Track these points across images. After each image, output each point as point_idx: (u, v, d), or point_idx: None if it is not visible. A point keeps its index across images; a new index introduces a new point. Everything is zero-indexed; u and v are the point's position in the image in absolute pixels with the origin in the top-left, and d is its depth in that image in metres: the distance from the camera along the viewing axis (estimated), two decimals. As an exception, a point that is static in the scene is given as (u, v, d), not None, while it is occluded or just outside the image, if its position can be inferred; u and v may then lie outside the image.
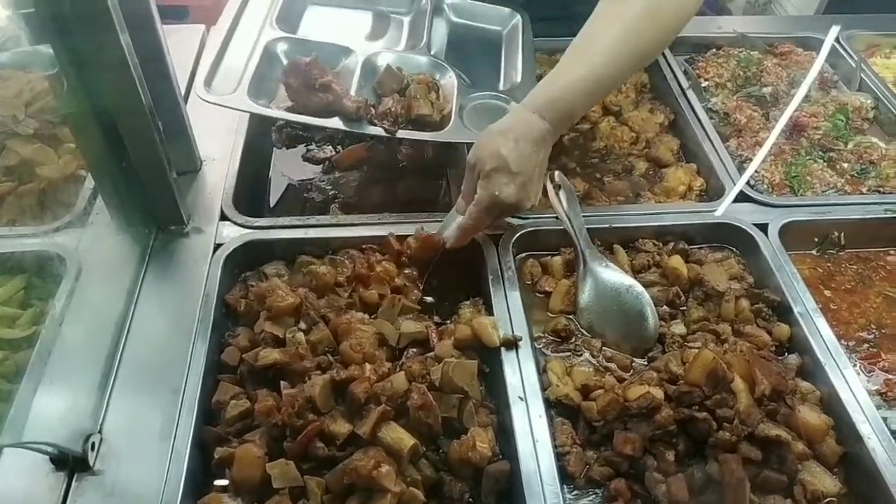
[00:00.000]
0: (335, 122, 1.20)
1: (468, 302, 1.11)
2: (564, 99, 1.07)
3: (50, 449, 0.84)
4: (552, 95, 1.07)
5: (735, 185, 1.28)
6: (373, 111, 1.22)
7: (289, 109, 1.23)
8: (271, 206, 1.36)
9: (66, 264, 1.12)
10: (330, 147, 1.46)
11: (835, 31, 1.59)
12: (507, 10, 1.54)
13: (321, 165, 1.43)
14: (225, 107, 1.20)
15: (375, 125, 1.21)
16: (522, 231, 1.18)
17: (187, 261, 1.14)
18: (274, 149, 1.45)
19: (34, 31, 0.94)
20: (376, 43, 1.46)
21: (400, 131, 1.21)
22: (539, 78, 1.19)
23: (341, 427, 0.89)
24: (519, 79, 1.37)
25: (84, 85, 0.99)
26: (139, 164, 1.10)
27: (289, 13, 1.45)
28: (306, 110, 1.21)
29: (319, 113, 1.20)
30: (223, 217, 1.20)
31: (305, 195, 1.38)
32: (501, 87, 1.39)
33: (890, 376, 1.08)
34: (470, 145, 1.11)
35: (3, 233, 1.19)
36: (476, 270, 1.16)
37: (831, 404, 1.00)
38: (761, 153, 1.35)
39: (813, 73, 1.51)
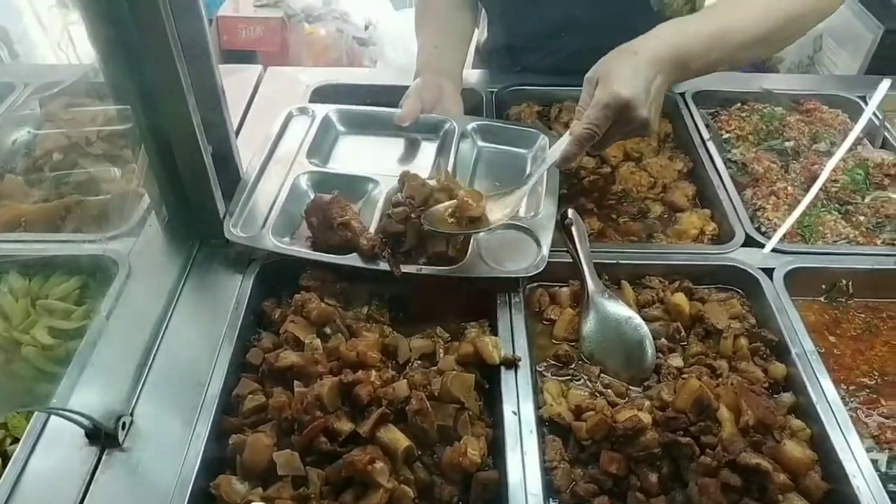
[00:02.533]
0: (353, 260, 1.21)
1: (475, 323, 1.18)
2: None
3: (86, 421, 0.94)
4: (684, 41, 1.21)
5: (745, 230, 1.33)
6: (387, 248, 1.20)
7: (310, 241, 1.27)
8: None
9: (117, 267, 1.25)
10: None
11: (884, 87, 1.50)
12: (533, 130, 1.54)
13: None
14: (251, 246, 1.25)
15: (385, 260, 1.20)
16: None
17: (224, 272, 1.26)
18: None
19: (105, 61, 1.09)
20: (402, 168, 1.36)
21: (407, 267, 1.19)
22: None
23: (344, 425, 0.97)
24: (541, 211, 1.31)
25: (146, 110, 1.14)
26: (189, 183, 1.23)
27: (321, 145, 1.50)
28: (327, 245, 1.24)
29: (340, 248, 1.23)
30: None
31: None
32: (523, 213, 1.33)
33: (886, 421, 1.09)
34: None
35: (68, 238, 1.33)
36: (486, 295, 1.23)
37: (821, 442, 1.02)
38: (803, 206, 1.36)
39: (855, 132, 1.51)
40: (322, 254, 1.24)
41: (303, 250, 1.25)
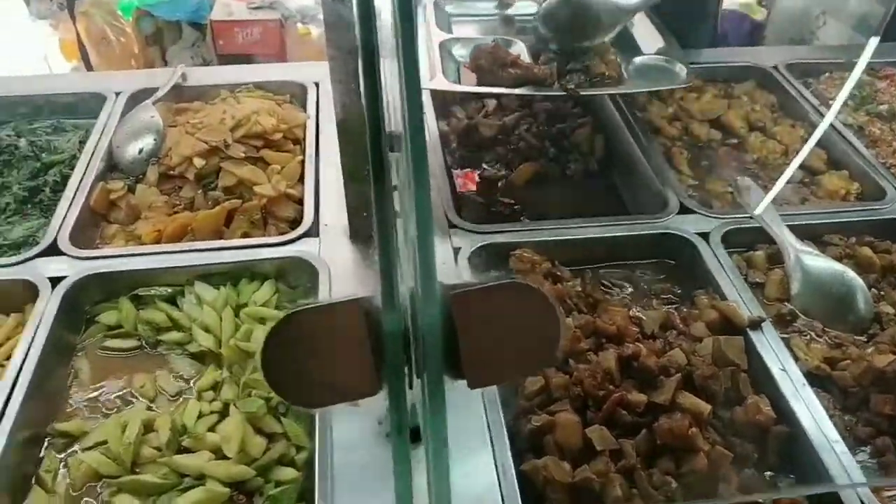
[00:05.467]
0: (527, 90, 1.38)
1: (701, 291, 1.21)
2: None
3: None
4: None
5: (894, 186, 1.42)
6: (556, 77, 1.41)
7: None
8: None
9: (314, 269, 1.20)
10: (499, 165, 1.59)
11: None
12: None
13: (499, 183, 1.54)
14: (442, 90, 1.47)
15: (562, 86, 1.39)
16: (725, 229, 1.30)
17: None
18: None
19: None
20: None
21: (587, 91, 1.40)
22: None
23: (638, 396, 0.98)
24: (662, 43, 1.57)
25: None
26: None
27: (442, 24, 1.68)
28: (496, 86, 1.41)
29: (509, 87, 1.39)
30: (452, 225, 1.29)
31: (492, 210, 1.48)
32: (645, 51, 1.57)
33: None
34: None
35: (253, 243, 1.26)
36: (688, 265, 1.27)
37: None
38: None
39: None
40: (503, 89, 1.38)
41: (485, 88, 1.41)
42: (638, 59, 1.51)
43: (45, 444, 1.01)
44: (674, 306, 1.20)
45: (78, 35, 3.32)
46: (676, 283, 1.26)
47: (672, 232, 1.29)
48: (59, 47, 3.57)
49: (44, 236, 1.26)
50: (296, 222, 1.36)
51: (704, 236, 1.29)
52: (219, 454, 0.95)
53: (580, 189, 1.53)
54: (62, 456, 0.99)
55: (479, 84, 1.40)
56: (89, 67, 3.41)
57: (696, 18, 1.98)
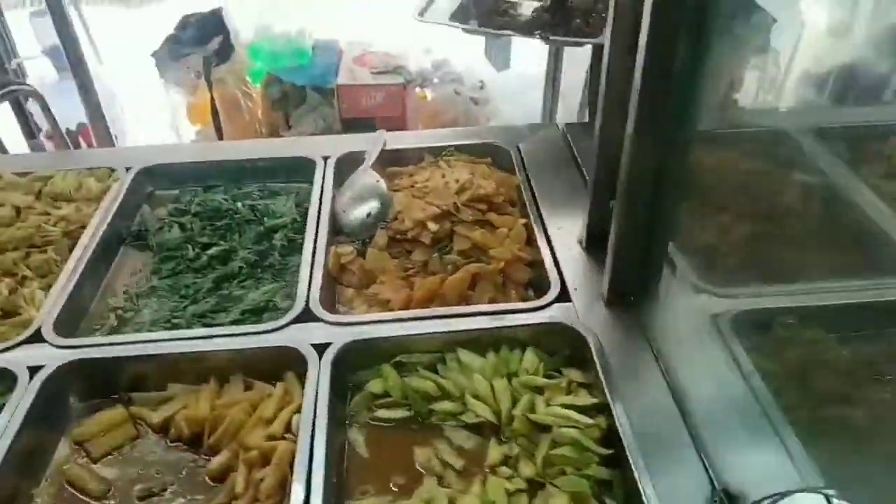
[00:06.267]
0: (509, 33, 1.68)
1: None
2: None
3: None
4: None
5: None
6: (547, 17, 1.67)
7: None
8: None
9: (579, 335, 1.16)
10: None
11: None
12: None
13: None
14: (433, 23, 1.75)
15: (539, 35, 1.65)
16: None
17: (693, 325, 1.18)
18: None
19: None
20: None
21: (551, 37, 1.64)
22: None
23: None
24: None
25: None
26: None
27: None
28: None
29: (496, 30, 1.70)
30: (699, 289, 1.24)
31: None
32: None
33: None
34: None
35: (509, 308, 1.23)
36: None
37: None
38: None
39: None
40: (490, 29, 1.70)
41: (474, 27, 1.70)
42: None
43: (346, 522, 0.97)
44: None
45: (212, 100, 3.45)
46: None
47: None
48: (186, 112, 3.72)
49: (294, 302, 1.25)
50: (530, 285, 1.34)
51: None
52: (544, 537, 0.90)
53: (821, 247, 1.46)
54: (368, 537, 0.95)
55: (480, 27, 1.70)
56: (219, 130, 3.54)
57: None
